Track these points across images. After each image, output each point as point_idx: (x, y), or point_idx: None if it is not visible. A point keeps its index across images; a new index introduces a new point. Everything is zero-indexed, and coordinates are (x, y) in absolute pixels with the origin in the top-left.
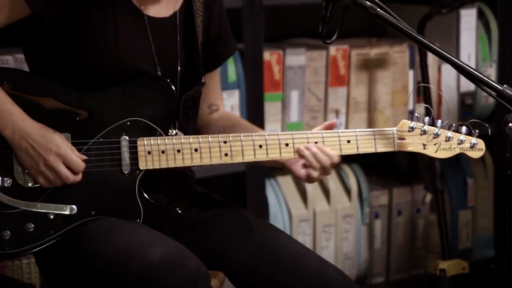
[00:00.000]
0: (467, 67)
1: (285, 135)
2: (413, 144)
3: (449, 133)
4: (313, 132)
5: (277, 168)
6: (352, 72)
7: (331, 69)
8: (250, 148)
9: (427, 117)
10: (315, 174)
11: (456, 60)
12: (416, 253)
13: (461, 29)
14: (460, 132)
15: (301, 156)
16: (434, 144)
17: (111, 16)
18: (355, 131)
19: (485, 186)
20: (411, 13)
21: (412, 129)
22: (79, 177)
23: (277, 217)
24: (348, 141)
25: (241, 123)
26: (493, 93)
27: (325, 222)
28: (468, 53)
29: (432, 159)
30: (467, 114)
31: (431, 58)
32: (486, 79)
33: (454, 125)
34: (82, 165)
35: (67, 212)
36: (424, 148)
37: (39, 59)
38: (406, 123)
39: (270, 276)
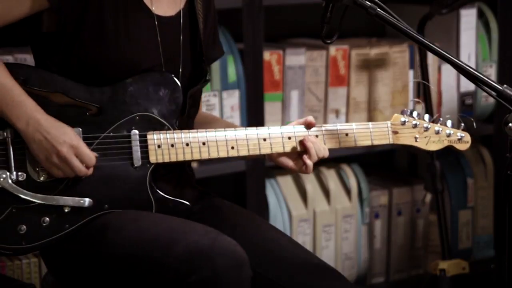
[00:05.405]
0: (467, 67)
1: (287, 129)
2: (406, 137)
3: (437, 127)
4: None
5: (277, 168)
6: (352, 72)
7: (331, 69)
8: (255, 141)
9: (416, 112)
10: (310, 163)
11: (456, 60)
12: (416, 253)
13: (461, 29)
14: (446, 126)
15: (305, 146)
16: (425, 137)
17: (123, 14)
18: (353, 125)
19: (485, 186)
20: (411, 13)
21: (404, 123)
22: (90, 171)
23: (277, 217)
24: (346, 134)
25: (217, 119)
26: (493, 93)
27: (325, 222)
28: (468, 53)
29: (432, 158)
30: (467, 114)
31: (431, 58)
32: (486, 79)
33: (441, 119)
34: (93, 159)
35: (85, 205)
36: (416, 141)
37: (48, 55)
38: (399, 117)
39: (269, 277)
